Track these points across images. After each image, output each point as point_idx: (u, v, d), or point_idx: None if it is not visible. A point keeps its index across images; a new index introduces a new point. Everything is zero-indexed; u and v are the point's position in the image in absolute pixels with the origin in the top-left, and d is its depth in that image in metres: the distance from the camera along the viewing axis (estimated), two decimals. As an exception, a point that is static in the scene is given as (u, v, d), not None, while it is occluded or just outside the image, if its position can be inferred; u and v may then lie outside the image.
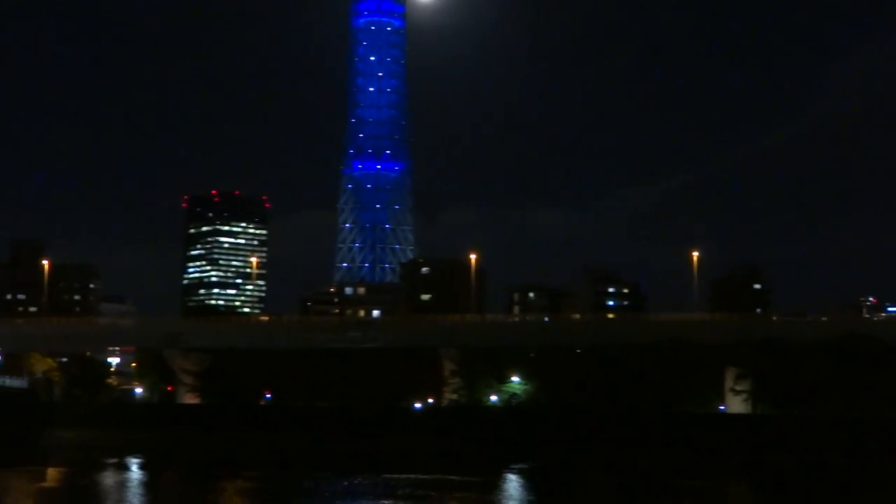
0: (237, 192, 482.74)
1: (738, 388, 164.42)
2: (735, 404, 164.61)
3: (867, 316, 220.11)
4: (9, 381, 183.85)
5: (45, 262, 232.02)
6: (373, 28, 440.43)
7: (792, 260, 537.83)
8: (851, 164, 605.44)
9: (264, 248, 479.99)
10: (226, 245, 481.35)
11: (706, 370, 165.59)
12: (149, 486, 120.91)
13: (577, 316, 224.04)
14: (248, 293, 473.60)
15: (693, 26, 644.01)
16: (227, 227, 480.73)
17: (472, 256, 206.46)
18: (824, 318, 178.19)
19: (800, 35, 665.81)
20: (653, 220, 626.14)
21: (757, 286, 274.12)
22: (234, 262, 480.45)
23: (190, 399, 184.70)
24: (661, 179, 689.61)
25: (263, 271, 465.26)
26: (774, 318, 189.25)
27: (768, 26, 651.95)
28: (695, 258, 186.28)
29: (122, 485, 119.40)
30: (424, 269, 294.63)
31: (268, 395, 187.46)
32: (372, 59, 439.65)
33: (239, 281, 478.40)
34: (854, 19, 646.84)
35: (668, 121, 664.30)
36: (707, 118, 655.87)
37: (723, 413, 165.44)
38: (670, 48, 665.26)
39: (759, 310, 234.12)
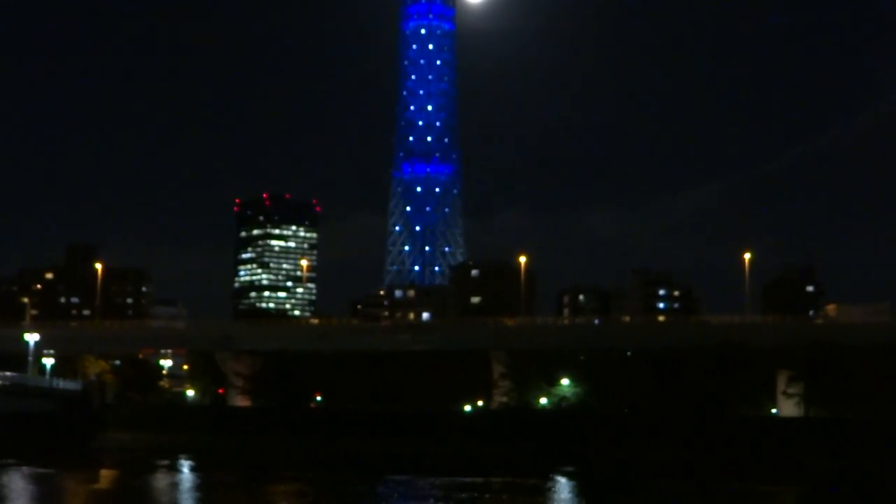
0: (288, 196, 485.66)
1: (790, 391, 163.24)
2: (787, 408, 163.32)
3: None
4: (62, 384, 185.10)
5: (98, 266, 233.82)
6: (423, 31, 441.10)
7: (848, 262, 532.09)
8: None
9: (314, 252, 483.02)
10: (276, 248, 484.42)
11: (758, 373, 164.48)
12: (200, 488, 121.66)
13: (628, 318, 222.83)
14: (298, 296, 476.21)
15: (750, 25, 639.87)
16: (277, 231, 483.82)
17: (522, 259, 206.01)
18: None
19: (861, 32, 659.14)
20: (707, 222, 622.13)
21: (810, 288, 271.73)
22: (285, 266, 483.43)
23: (241, 401, 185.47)
24: (715, 180, 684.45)
25: (314, 274, 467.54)
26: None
27: (829, 25, 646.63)
28: (746, 260, 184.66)
29: (174, 487, 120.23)
30: (474, 272, 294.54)
31: (318, 398, 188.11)
32: (422, 62, 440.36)
33: (289, 284, 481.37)
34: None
35: (723, 121, 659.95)
36: (763, 118, 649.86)
37: (775, 416, 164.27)
38: (725, 47, 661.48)
39: (811, 312, 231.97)
